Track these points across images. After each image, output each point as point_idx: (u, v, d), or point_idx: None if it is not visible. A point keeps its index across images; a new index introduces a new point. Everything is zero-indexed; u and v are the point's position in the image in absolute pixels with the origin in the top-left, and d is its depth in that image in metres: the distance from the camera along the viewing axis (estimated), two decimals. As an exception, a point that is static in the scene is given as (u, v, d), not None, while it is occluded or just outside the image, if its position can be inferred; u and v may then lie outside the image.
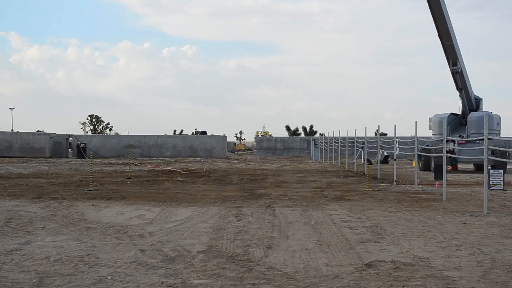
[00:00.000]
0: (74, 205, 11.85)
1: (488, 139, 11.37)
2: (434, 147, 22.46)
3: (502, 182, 15.62)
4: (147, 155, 43.72)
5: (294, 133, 79.59)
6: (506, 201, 12.88)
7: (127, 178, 20.09)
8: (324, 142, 37.82)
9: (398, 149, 21.40)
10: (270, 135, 74.39)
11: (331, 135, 35.92)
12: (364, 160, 25.90)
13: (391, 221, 9.75)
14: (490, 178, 15.75)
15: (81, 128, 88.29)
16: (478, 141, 22.87)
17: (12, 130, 58.15)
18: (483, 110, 25.26)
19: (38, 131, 60.41)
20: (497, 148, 19.46)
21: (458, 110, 25.83)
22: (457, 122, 25.48)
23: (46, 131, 53.95)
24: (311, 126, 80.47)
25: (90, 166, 22.24)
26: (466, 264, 6.46)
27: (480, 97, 25.60)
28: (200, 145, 45.87)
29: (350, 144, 28.01)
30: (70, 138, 44.45)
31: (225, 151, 47.87)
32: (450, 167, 22.59)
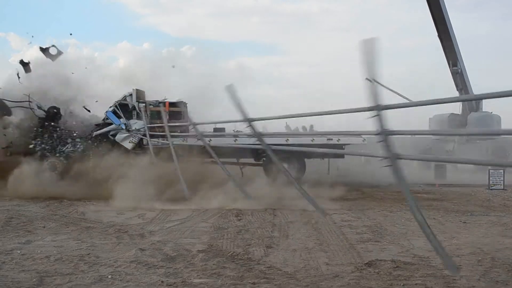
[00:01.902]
0: (74, 205, 11.85)
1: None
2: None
3: (502, 182, 15.64)
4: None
5: (294, 133, 79.52)
6: (506, 201, 12.88)
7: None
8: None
9: None
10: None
11: (331, 135, 35.76)
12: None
13: (391, 220, 9.75)
14: (490, 178, 15.79)
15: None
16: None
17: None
18: (483, 110, 25.29)
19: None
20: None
21: (458, 110, 25.86)
22: (457, 122, 25.52)
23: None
24: (311, 126, 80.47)
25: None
26: (467, 263, 6.46)
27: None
28: (200, 145, 45.71)
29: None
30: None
31: (225, 151, 47.71)
32: None
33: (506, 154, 25.70)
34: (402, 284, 5.59)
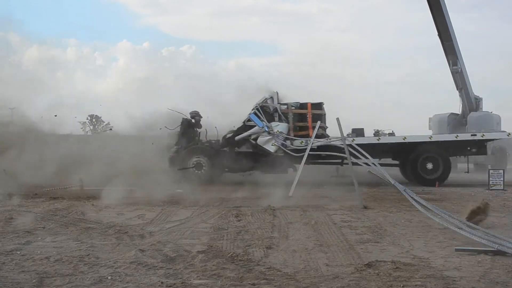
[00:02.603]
0: (74, 205, 11.85)
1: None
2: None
3: (502, 183, 15.64)
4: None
5: (294, 133, 79.31)
6: (506, 201, 12.88)
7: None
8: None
9: None
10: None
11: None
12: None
13: (391, 221, 9.75)
14: (490, 179, 15.78)
15: (81, 128, 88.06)
16: None
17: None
18: (483, 110, 25.27)
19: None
20: None
21: (458, 110, 25.84)
22: (457, 122, 25.50)
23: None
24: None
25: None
26: (466, 264, 6.46)
27: (480, 97, 25.60)
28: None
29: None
30: (70, 139, 44.31)
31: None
32: None
33: (506, 153, 25.72)
34: (402, 285, 5.59)
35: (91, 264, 6.45)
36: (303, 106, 17.73)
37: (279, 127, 17.05)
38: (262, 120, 16.98)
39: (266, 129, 16.85)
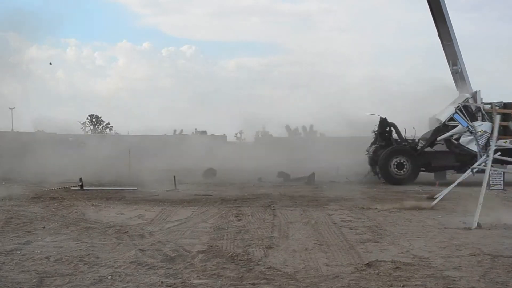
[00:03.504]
0: (74, 205, 11.85)
1: None
2: None
3: (501, 183, 15.63)
4: (147, 155, 43.66)
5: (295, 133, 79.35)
6: (506, 201, 12.88)
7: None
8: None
9: None
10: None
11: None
12: None
13: (391, 221, 9.75)
14: (490, 179, 15.75)
15: (81, 128, 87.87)
16: None
17: (12, 130, 57.94)
18: (484, 110, 25.26)
19: (38, 131, 60.13)
20: None
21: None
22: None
23: (46, 131, 53.77)
24: (311, 126, 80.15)
25: (90, 166, 22.18)
26: (466, 264, 6.45)
27: (480, 97, 25.59)
28: (200, 145, 45.88)
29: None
30: (70, 138, 44.35)
31: (225, 151, 47.89)
32: None
33: None
34: (402, 285, 5.59)
35: (91, 264, 6.46)
36: (506, 105, 17.78)
37: (483, 126, 17.06)
38: (465, 120, 17.08)
39: (471, 129, 16.92)
